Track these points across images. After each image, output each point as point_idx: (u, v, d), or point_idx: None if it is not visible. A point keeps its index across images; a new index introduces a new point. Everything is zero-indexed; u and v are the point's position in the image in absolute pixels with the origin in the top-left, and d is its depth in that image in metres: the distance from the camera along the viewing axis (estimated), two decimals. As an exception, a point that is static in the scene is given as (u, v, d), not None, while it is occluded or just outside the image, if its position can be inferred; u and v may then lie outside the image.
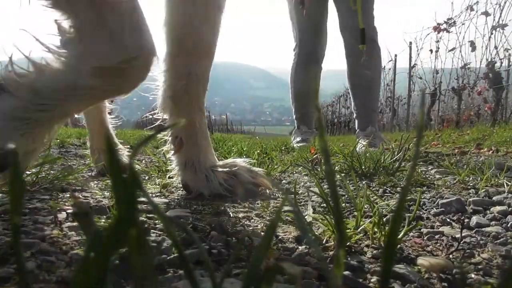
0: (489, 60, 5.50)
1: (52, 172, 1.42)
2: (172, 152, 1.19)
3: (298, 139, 3.68)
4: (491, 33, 5.50)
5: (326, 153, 0.31)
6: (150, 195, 1.20)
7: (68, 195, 1.10)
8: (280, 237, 0.77)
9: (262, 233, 0.78)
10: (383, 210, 0.80)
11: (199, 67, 1.07)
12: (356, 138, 3.33)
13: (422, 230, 0.84)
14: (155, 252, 0.62)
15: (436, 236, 0.80)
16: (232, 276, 0.56)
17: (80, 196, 1.09)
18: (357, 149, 3.08)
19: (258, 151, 2.09)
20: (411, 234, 0.81)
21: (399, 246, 0.71)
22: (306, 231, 0.31)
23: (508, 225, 0.87)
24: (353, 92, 3.35)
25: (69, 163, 1.92)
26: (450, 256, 0.68)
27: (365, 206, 0.77)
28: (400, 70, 10.16)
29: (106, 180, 1.41)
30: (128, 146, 3.48)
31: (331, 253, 0.67)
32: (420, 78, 8.40)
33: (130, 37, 0.75)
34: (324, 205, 1.02)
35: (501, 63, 5.44)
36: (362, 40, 2.79)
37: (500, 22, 5.38)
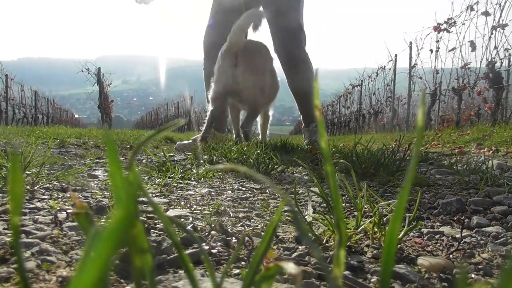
0: (489, 60, 5.50)
1: (52, 172, 1.42)
2: None
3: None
4: (491, 33, 5.50)
5: (326, 153, 0.31)
6: (150, 195, 1.20)
7: (68, 195, 1.10)
8: (280, 237, 0.77)
9: (262, 233, 0.78)
10: (383, 210, 0.80)
11: None
12: (302, 133, 3.76)
13: (422, 230, 0.84)
14: (155, 252, 0.62)
15: (436, 236, 0.80)
16: (232, 276, 0.56)
17: (80, 196, 1.09)
18: (304, 143, 3.38)
19: (258, 151, 2.09)
20: (411, 234, 0.81)
21: (399, 246, 0.71)
22: (305, 232, 0.31)
23: (508, 225, 0.87)
24: (295, 99, 3.68)
25: (69, 163, 1.92)
26: (450, 256, 0.68)
27: (365, 206, 0.77)
28: (400, 70, 10.16)
29: (106, 180, 1.41)
30: (128, 146, 3.48)
31: (331, 253, 0.67)
32: (420, 78, 8.40)
33: None
34: (324, 205, 1.02)
35: (501, 63, 5.43)
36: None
37: (500, 22, 5.38)
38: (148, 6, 3.42)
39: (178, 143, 3.62)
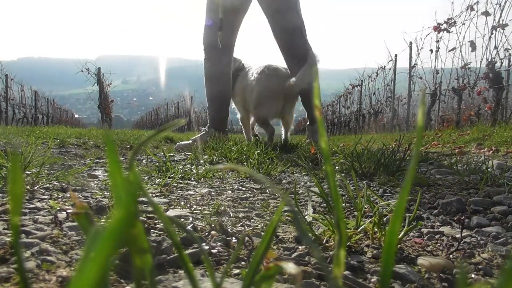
0: (489, 60, 5.50)
1: (52, 172, 1.42)
2: None
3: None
4: (491, 33, 5.50)
5: (326, 153, 0.31)
6: (150, 195, 1.20)
7: (68, 195, 1.10)
8: (280, 237, 0.77)
9: (262, 233, 0.78)
10: (383, 210, 0.80)
11: None
12: (306, 131, 3.88)
13: (422, 230, 0.84)
14: (155, 252, 0.62)
15: (436, 236, 0.80)
16: (232, 276, 0.56)
17: (80, 196, 1.09)
18: (305, 142, 3.50)
19: (258, 151, 2.09)
20: (411, 234, 0.81)
21: (399, 246, 0.71)
22: (305, 232, 0.31)
23: (508, 225, 0.87)
24: (300, 97, 3.66)
25: (69, 163, 1.92)
26: (450, 256, 0.68)
27: (365, 206, 0.77)
28: (400, 70, 10.16)
29: (106, 180, 1.41)
30: (128, 146, 3.48)
31: (331, 253, 0.67)
32: (420, 78, 8.40)
33: None
34: (324, 205, 1.02)
35: (501, 63, 5.43)
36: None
37: (500, 22, 5.38)
38: None
39: (178, 143, 3.62)
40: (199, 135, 3.62)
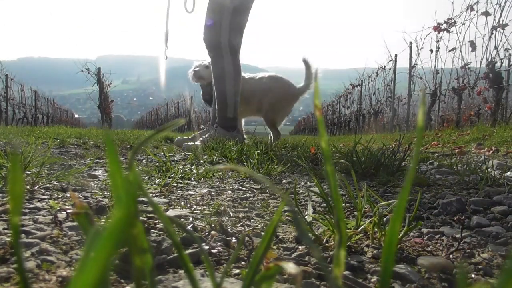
0: (489, 60, 5.50)
1: (52, 172, 1.42)
2: None
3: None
4: (491, 33, 5.50)
5: (326, 153, 0.31)
6: (150, 195, 1.20)
7: (68, 195, 1.10)
8: (280, 237, 0.77)
9: (262, 233, 0.78)
10: (383, 210, 0.80)
11: None
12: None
13: (422, 230, 0.84)
14: (155, 252, 0.62)
15: (436, 236, 0.80)
16: (232, 276, 0.56)
17: (80, 196, 1.09)
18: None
19: (258, 151, 2.09)
20: (411, 234, 0.81)
21: (399, 246, 0.71)
22: (305, 232, 0.31)
23: (508, 225, 0.87)
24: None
25: (69, 163, 1.92)
26: (450, 256, 0.68)
27: (365, 206, 0.77)
28: (400, 70, 10.16)
29: (106, 180, 1.41)
30: (128, 146, 3.48)
31: (331, 253, 0.67)
32: (420, 78, 8.40)
33: None
34: (324, 205, 1.02)
35: (501, 63, 5.43)
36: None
37: (501, 22, 5.38)
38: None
39: (177, 138, 3.67)
40: (198, 133, 3.65)
